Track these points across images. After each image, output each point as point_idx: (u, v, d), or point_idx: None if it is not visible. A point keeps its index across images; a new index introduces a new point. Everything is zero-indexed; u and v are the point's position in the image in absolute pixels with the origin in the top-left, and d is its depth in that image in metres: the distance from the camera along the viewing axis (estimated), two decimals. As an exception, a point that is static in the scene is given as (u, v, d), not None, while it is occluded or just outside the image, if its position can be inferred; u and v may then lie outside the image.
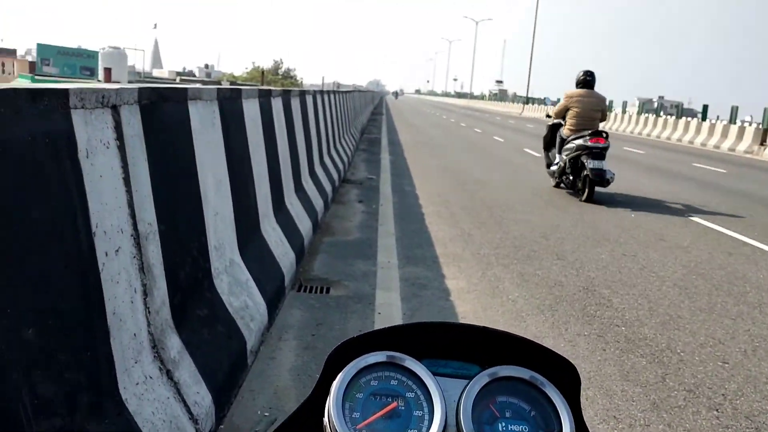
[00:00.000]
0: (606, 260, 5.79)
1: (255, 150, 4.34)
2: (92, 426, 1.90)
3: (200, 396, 2.47)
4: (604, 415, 2.89)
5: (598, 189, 9.09)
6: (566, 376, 0.74)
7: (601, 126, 9.40)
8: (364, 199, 8.15)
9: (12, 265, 1.59)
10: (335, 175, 8.55)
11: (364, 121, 22.53)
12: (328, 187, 7.46)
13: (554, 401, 0.71)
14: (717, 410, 3.04)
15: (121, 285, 2.13)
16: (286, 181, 5.36)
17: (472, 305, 4.31)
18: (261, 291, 3.55)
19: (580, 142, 8.89)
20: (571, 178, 9.38)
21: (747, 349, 3.86)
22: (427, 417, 0.70)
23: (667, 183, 12.44)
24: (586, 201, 8.95)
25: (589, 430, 0.74)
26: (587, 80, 9.30)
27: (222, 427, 2.57)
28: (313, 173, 7.06)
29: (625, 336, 3.92)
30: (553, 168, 9.93)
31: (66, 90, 1.83)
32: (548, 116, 10.54)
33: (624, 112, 40.70)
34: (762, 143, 23.51)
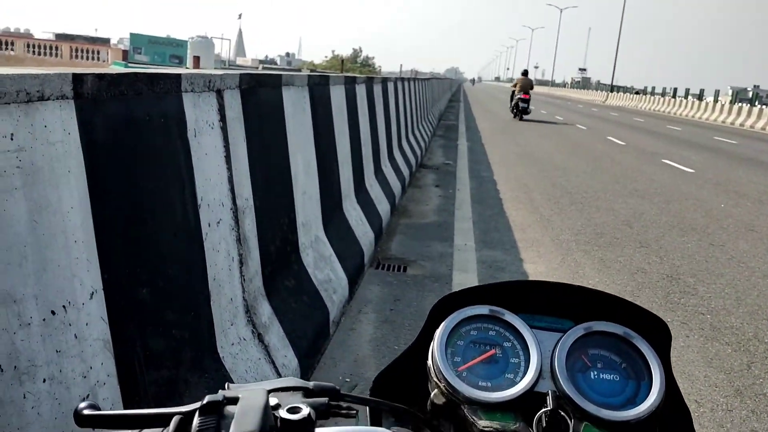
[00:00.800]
0: (692, 249, 5.62)
1: (340, 133, 4.49)
2: (194, 378, 2.10)
3: (287, 359, 2.64)
4: (686, 399, 2.86)
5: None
6: (657, 333, 0.77)
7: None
8: (441, 183, 8.21)
9: (129, 229, 1.78)
10: (413, 160, 8.65)
11: (441, 108, 22.49)
12: (405, 171, 7.57)
13: (645, 354, 0.75)
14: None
15: (221, 253, 2.31)
16: (366, 163, 5.51)
17: (549, 289, 4.31)
18: (343, 266, 3.71)
19: (518, 97, 22.21)
20: (514, 111, 22.78)
21: (843, 343, 3.70)
22: (523, 364, 0.74)
23: (762, 174, 11.81)
24: (519, 120, 22.27)
25: (679, 387, 0.78)
26: (525, 71, 22.93)
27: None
28: (391, 157, 7.19)
29: (710, 324, 3.83)
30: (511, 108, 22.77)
31: (179, 75, 2.01)
32: (513, 86, 23.08)
33: (716, 101, 38.63)
34: None
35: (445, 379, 0.72)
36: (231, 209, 2.44)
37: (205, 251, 2.20)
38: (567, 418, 0.68)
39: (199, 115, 2.21)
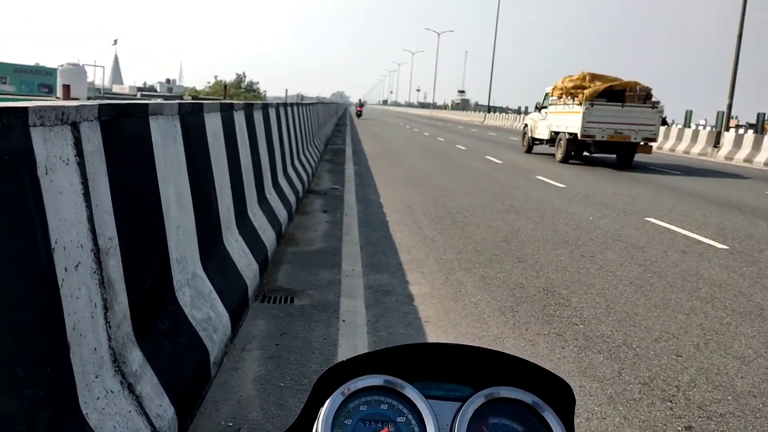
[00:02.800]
0: (565, 262, 5.94)
1: (217, 163, 4.35)
2: (54, 441, 1.91)
3: (162, 408, 2.48)
4: (563, 411, 2.98)
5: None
6: (560, 396, 0.74)
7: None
8: (329, 208, 8.20)
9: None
10: (299, 186, 8.58)
11: (328, 132, 22.57)
12: (291, 198, 7.48)
13: (550, 424, 0.71)
14: (671, 401, 3.16)
15: (81, 300, 2.14)
16: (248, 192, 5.38)
17: (435, 309, 4.38)
18: (224, 302, 3.56)
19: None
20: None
21: (699, 342, 4.02)
22: None
23: (625, 185, 12.77)
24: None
25: None
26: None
27: (186, 439, 2.58)
28: (276, 184, 7.08)
29: (584, 334, 4.04)
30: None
31: (25, 108, 1.85)
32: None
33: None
34: (715, 145, 24.27)
35: None
36: (92, 250, 2.27)
37: (61, 298, 2.03)
38: None
39: (51, 150, 2.05)
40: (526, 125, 20.75)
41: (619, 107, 16.07)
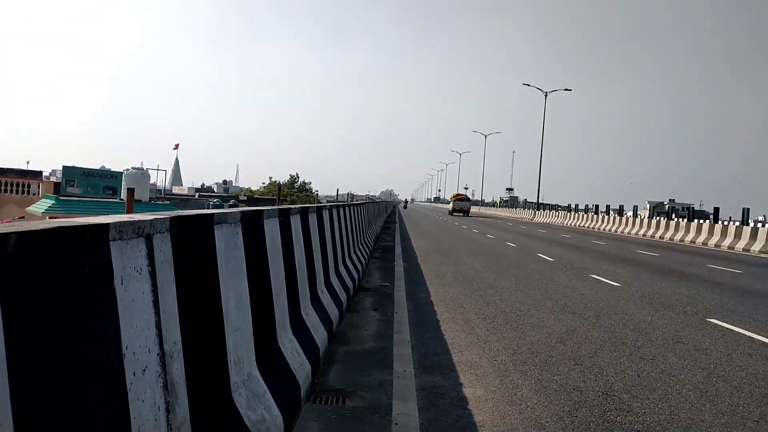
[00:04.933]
0: (624, 364, 5.75)
1: (274, 265, 4.50)
2: None
3: None
4: None
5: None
6: None
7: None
8: (379, 307, 8.22)
9: (52, 391, 1.71)
10: (350, 284, 8.67)
11: (377, 230, 22.91)
12: (342, 296, 7.56)
13: None
14: None
15: (146, 403, 2.22)
16: (302, 292, 5.49)
17: (490, 414, 4.28)
18: (278, 403, 3.59)
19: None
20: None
21: (774, 454, 3.78)
22: None
23: (683, 284, 12.40)
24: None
25: None
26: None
27: None
28: (328, 283, 7.20)
29: (647, 443, 3.86)
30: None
31: (107, 224, 2.02)
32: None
33: (635, 216, 40.99)
34: (776, 240, 23.46)
35: None
36: (158, 354, 2.37)
37: (129, 402, 2.12)
38: None
39: (127, 262, 2.20)
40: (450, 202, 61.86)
41: (459, 201, 72.78)
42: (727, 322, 8.06)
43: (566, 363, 5.73)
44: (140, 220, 2.29)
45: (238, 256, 3.61)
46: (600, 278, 12.70)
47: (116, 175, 37.18)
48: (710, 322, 8.13)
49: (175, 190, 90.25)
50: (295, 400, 4.04)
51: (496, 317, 7.90)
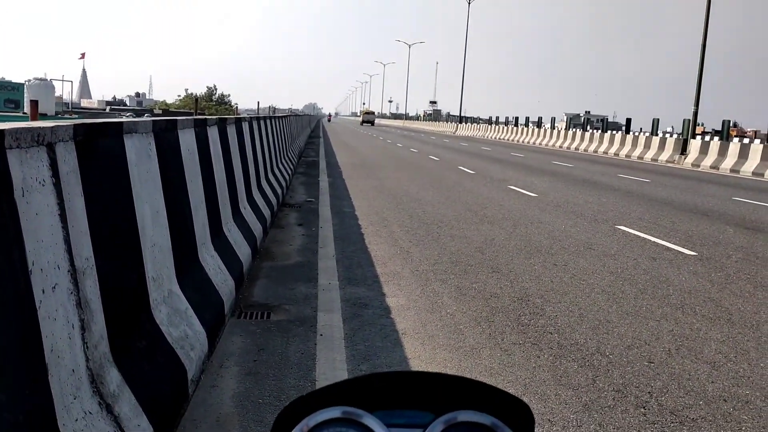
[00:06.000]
0: (539, 271, 6.03)
1: (192, 179, 4.35)
2: (33, 466, 1.90)
3: (141, 428, 2.47)
4: (539, 419, 3.03)
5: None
6: (520, 416, 0.76)
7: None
8: (304, 222, 8.20)
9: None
10: (273, 200, 8.57)
11: (301, 145, 22.56)
12: (266, 212, 7.47)
13: None
14: (644, 408, 3.24)
15: (58, 321, 2.13)
16: (223, 208, 5.37)
17: (412, 322, 4.42)
18: (201, 319, 3.55)
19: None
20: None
21: (671, 348, 4.11)
22: None
23: (595, 194, 12.99)
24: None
25: None
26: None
27: (166, 458, 2.57)
28: (251, 199, 7.07)
29: (558, 342, 4.11)
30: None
31: (2, 131, 1.85)
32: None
33: (553, 127, 42.16)
34: (682, 152, 24.82)
35: None
36: (69, 271, 2.26)
37: (39, 321, 2.02)
38: None
39: (27, 172, 2.04)
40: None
41: (367, 114, 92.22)
42: (634, 229, 8.56)
43: (484, 271, 5.94)
44: (39, 127, 2.11)
45: (151, 168, 3.44)
46: (518, 189, 13.11)
47: (17, 87, 34.48)
48: (619, 229, 8.60)
49: (84, 103, 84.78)
50: (219, 316, 4.01)
51: (418, 229, 8.05)
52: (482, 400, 0.75)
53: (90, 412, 2.22)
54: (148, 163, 3.41)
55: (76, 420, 2.13)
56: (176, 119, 4.37)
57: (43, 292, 2.04)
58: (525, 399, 3.19)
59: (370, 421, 0.71)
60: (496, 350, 3.94)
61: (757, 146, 21.23)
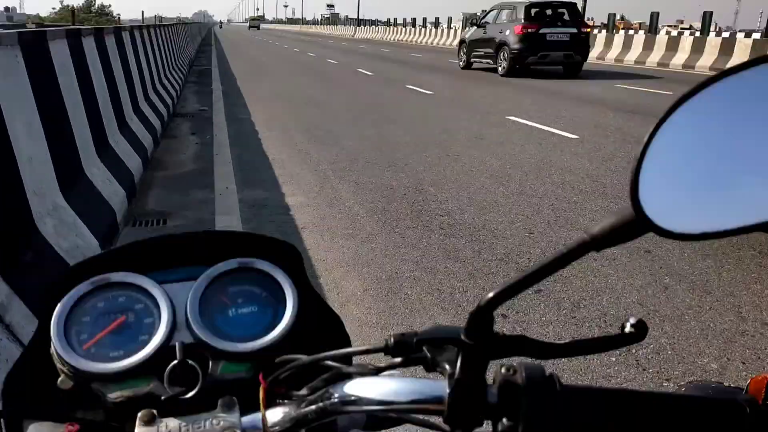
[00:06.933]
0: (433, 162, 6.25)
1: (68, 91, 4.14)
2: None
3: (38, 334, 2.49)
4: (429, 289, 3.29)
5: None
6: (289, 256, 0.79)
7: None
8: (198, 130, 7.99)
9: None
10: (163, 110, 8.25)
11: (191, 54, 21.44)
12: (156, 123, 7.22)
13: (275, 277, 0.75)
14: (523, 271, 3.55)
15: (-71, 233, 2.07)
16: (107, 120, 5.16)
17: (311, 216, 4.54)
18: (91, 230, 3.51)
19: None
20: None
21: (550, 220, 4.47)
22: (157, 321, 0.70)
23: (489, 89, 13.31)
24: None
25: (322, 298, 0.81)
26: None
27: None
28: (138, 110, 6.79)
29: (448, 223, 4.37)
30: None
31: None
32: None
33: (449, 27, 42.14)
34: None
35: (66, 362, 0.66)
36: (-66, 184, 2.18)
37: None
38: (196, 366, 0.67)
39: None
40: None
41: (254, 20, 38.25)
42: (523, 119, 8.93)
43: (381, 166, 6.10)
44: None
45: (20, 81, 3.27)
46: (415, 88, 13.21)
47: None
48: (509, 119, 8.95)
49: (-59, 20, 75.84)
50: (112, 226, 3.96)
51: (316, 131, 8.05)
52: (253, 248, 0.78)
53: (-22, 321, 2.22)
54: (17, 77, 3.24)
55: (-35, 329, 2.13)
56: (45, 30, 4.10)
57: None
58: (416, 273, 3.45)
59: (139, 280, 0.73)
60: (392, 234, 4.14)
61: (640, 37, 22.21)
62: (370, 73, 17.19)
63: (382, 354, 0.54)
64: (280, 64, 21.99)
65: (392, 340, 0.54)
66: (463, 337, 0.51)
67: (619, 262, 3.67)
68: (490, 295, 0.49)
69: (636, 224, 0.41)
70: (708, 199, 0.40)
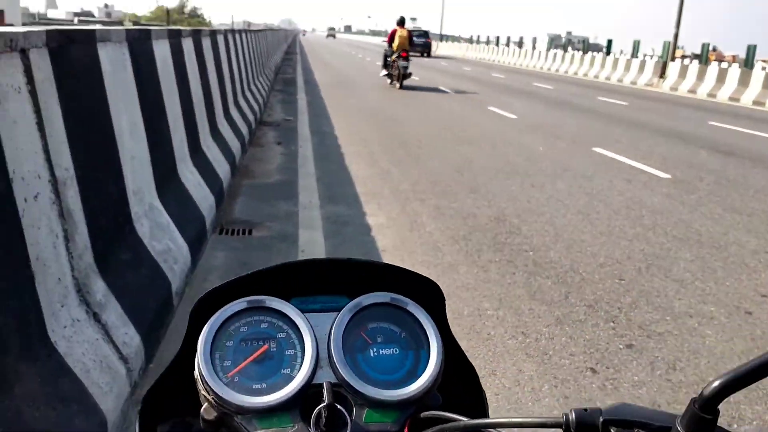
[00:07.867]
0: (516, 191, 6.10)
1: (168, 92, 4.25)
2: (24, 367, 1.94)
3: (129, 336, 2.53)
4: (513, 332, 3.16)
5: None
6: (431, 295, 0.76)
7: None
8: (283, 140, 8.12)
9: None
10: (251, 117, 8.43)
11: (278, 61, 21.98)
12: (244, 130, 7.37)
13: (419, 319, 0.72)
14: (613, 322, 3.38)
15: (42, 230, 2.13)
16: (201, 123, 5.28)
17: (391, 239, 4.49)
18: (182, 234, 3.57)
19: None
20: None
21: (641, 266, 4.25)
22: (299, 354, 0.68)
23: (574, 116, 13.00)
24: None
25: (460, 345, 0.76)
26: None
27: (152, 365, 2.65)
28: (228, 116, 6.95)
29: (533, 260, 4.22)
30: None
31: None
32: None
33: (534, 48, 41.50)
34: (661, 76, 24.73)
35: (212, 390, 0.64)
36: (50, 181, 2.24)
37: (23, 229, 2.02)
38: (344, 411, 0.63)
39: (2, 79, 1.99)
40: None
41: (330, 29, 46.29)
42: (610, 151, 8.64)
43: (463, 191, 6.00)
44: (11, 32, 2.04)
45: (127, 78, 3.35)
46: (497, 110, 13.05)
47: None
48: (596, 151, 8.67)
49: (51, 14, 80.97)
50: (201, 231, 4.03)
51: (398, 149, 8.04)
52: (394, 282, 0.75)
53: (78, 320, 2.26)
54: (124, 74, 3.32)
55: (65, 327, 2.17)
56: (150, 29, 4.22)
57: (26, 200, 2.03)
58: (500, 312, 3.33)
59: (284, 307, 0.70)
60: (473, 267, 4.04)
61: (734, 71, 21.21)
62: (451, 92, 17.12)
63: (560, 429, 0.48)
64: (362, 77, 22.22)
65: (573, 415, 0.48)
66: (679, 428, 0.43)
67: (717, 322, 3.44)
68: (717, 384, 0.42)
69: None
70: None
